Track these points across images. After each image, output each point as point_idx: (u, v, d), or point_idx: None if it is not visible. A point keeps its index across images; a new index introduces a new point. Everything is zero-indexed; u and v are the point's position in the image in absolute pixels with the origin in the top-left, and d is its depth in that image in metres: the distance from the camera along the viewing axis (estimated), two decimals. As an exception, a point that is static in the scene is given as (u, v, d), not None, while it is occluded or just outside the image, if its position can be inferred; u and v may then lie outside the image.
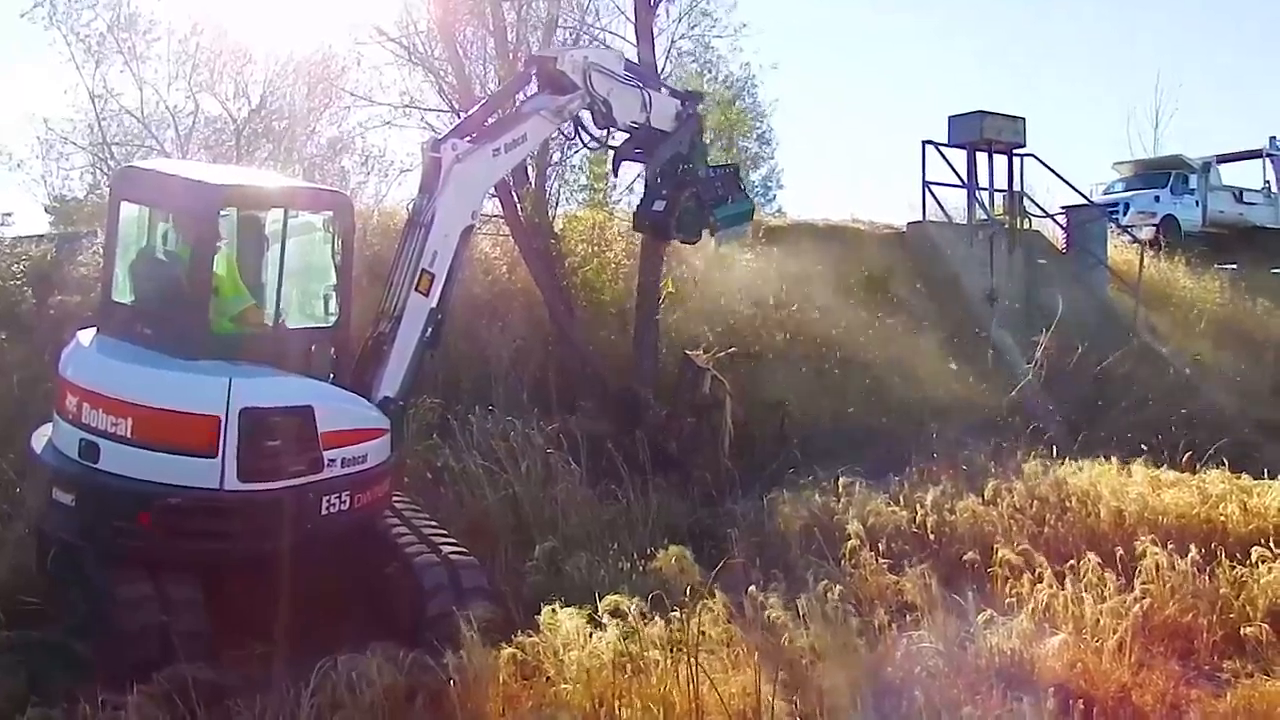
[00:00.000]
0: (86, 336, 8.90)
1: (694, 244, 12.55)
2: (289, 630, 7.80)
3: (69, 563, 8.17)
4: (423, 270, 9.21)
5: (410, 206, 9.69)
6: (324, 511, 8.42)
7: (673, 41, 18.03)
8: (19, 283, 13.69)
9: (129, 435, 7.93)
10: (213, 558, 8.07)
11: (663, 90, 11.51)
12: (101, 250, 11.78)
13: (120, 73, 18.50)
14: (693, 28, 18.88)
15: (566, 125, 10.82)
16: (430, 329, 9.34)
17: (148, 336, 8.50)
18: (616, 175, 14.76)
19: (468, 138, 9.71)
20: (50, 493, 8.27)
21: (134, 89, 18.63)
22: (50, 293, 13.62)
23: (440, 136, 9.87)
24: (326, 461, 8.40)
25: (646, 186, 12.08)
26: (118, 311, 8.98)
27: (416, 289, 9.21)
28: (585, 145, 11.71)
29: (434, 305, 9.33)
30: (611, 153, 11.94)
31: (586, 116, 10.70)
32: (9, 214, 16.91)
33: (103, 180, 19.29)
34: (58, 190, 21.31)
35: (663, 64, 16.89)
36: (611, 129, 11.00)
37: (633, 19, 15.47)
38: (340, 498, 8.54)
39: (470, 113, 10.27)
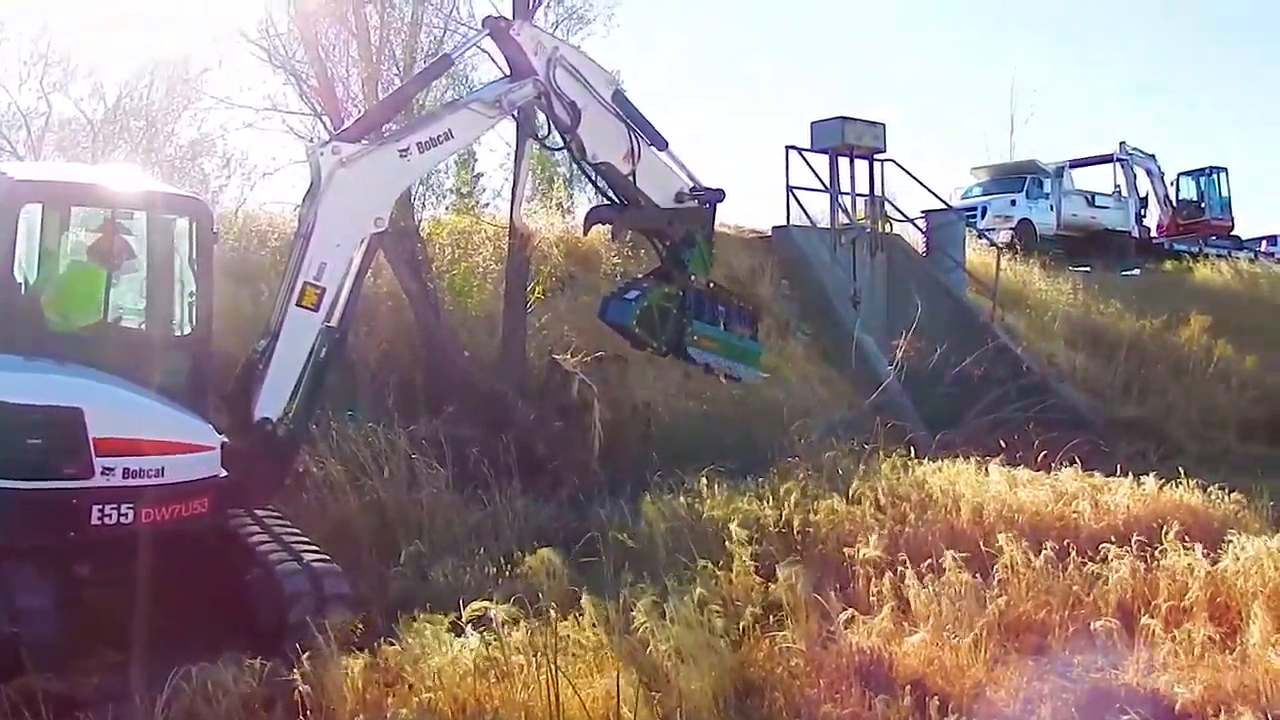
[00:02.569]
0: None
1: (663, 355, 10.92)
2: (145, 639, 7.56)
3: None
4: (306, 284, 8.54)
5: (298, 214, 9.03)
6: (96, 521, 7.91)
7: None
8: None
9: None
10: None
11: (671, 160, 10.20)
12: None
13: (-34, 72, 17.72)
14: (569, 35, 18.76)
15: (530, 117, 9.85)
16: (325, 348, 8.76)
17: None
18: (585, 234, 13.31)
19: (364, 139, 9.01)
20: None
21: (-21, 88, 17.85)
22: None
23: (325, 139, 9.16)
24: (101, 469, 7.89)
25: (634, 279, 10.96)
26: None
27: (299, 304, 8.56)
28: (544, 145, 10.33)
29: (328, 322, 8.72)
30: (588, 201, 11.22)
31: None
32: None
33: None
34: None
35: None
36: (581, 157, 9.80)
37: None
38: (120, 510, 7.99)
39: (368, 112, 9.42)
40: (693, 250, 10.26)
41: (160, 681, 6.70)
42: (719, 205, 10.54)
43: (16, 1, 17.53)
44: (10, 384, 7.69)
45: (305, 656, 6.96)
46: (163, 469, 8.15)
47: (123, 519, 7.98)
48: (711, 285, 10.58)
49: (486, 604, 7.46)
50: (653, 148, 10.01)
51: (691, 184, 10.24)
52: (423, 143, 9.06)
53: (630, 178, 9.82)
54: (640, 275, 11.19)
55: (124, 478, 7.96)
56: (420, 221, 16.43)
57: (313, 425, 11.37)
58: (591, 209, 10.86)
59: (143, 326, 8.78)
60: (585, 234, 12.86)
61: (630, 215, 10.28)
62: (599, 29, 18.32)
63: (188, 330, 8.76)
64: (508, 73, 9.76)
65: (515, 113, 9.76)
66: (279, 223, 16.05)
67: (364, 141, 9.07)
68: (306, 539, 9.13)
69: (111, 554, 8.02)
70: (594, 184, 10.37)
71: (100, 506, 7.89)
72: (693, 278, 10.25)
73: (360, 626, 8.03)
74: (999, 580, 8.60)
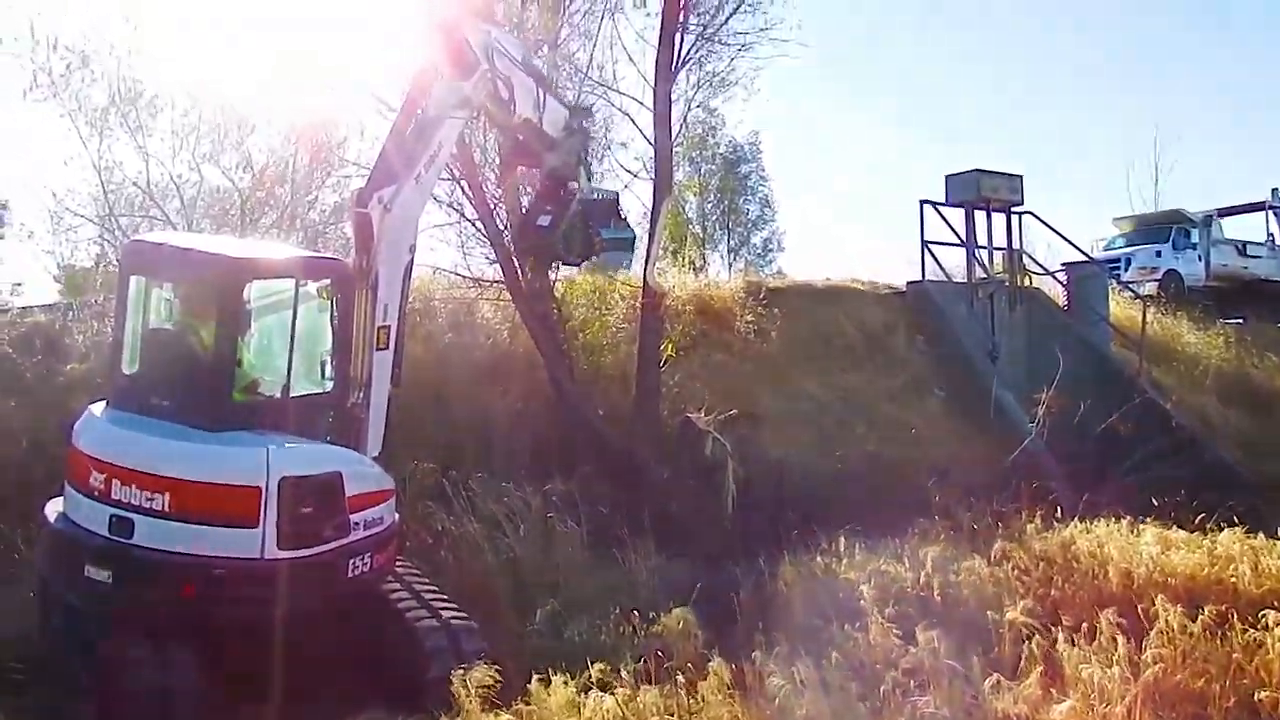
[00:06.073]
0: (99, 409, 8.93)
1: (577, 266, 12.41)
2: (285, 693, 7.79)
3: (69, 627, 8.20)
4: (379, 328, 9.20)
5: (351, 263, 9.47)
6: (350, 574, 8.56)
7: (689, 108, 18.12)
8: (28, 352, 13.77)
9: (167, 510, 7.92)
10: (249, 624, 8.02)
11: (549, 92, 11.12)
12: (106, 320, 11.91)
13: (125, 144, 18.65)
14: (710, 97, 18.93)
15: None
16: (392, 382, 9.47)
17: (164, 409, 8.51)
18: (503, 183, 14.67)
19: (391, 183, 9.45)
20: (82, 569, 8.11)
21: (138, 160, 18.76)
22: (56, 360, 13.68)
23: (363, 189, 9.53)
24: (352, 525, 8.50)
25: (529, 205, 11.82)
26: (128, 384, 9.04)
27: (378, 348, 9.20)
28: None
29: (391, 352, 9.41)
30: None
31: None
32: (19, 284, 17.03)
33: (110, 250, 19.48)
34: (66, 260, 21.55)
35: (677, 129, 16.97)
36: (507, 123, 10.75)
37: (651, 83, 15.73)
38: (363, 559, 8.68)
39: (381, 157, 9.80)
40: (580, 167, 11.18)
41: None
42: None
43: (169, 74, 18.27)
44: (289, 458, 8.19)
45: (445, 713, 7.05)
46: (383, 517, 8.92)
47: (364, 568, 8.68)
48: (595, 194, 11.39)
49: (620, 664, 7.46)
50: (554, 99, 10.85)
51: (567, 112, 11.04)
52: (427, 162, 9.66)
53: (539, 125, 10.59)
54: (527, 203, 12.12)
55: (365, 530, 8.67)
56: (554, 281, 16.66)
57: (446, 483, 11.75)
58: (507, 156, 12.20)
59: (308, 389, 9.16)
60: (502, 182, 14.46)
61: (548, 159, 10.91)
62: (740, 92, 18.44)
63: (331, 387, 9.19)
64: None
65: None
66: (417, 284, 16.42)
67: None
68: (444, 596, 9.30)
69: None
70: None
71: (352, 560, 8.57)
72: (582, 191, 11.05)
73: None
74: (1153, 646, 8.23)
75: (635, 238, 12.11)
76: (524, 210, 12.06)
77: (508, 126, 10.83)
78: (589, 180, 11.40)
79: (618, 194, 12.16)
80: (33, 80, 17.25)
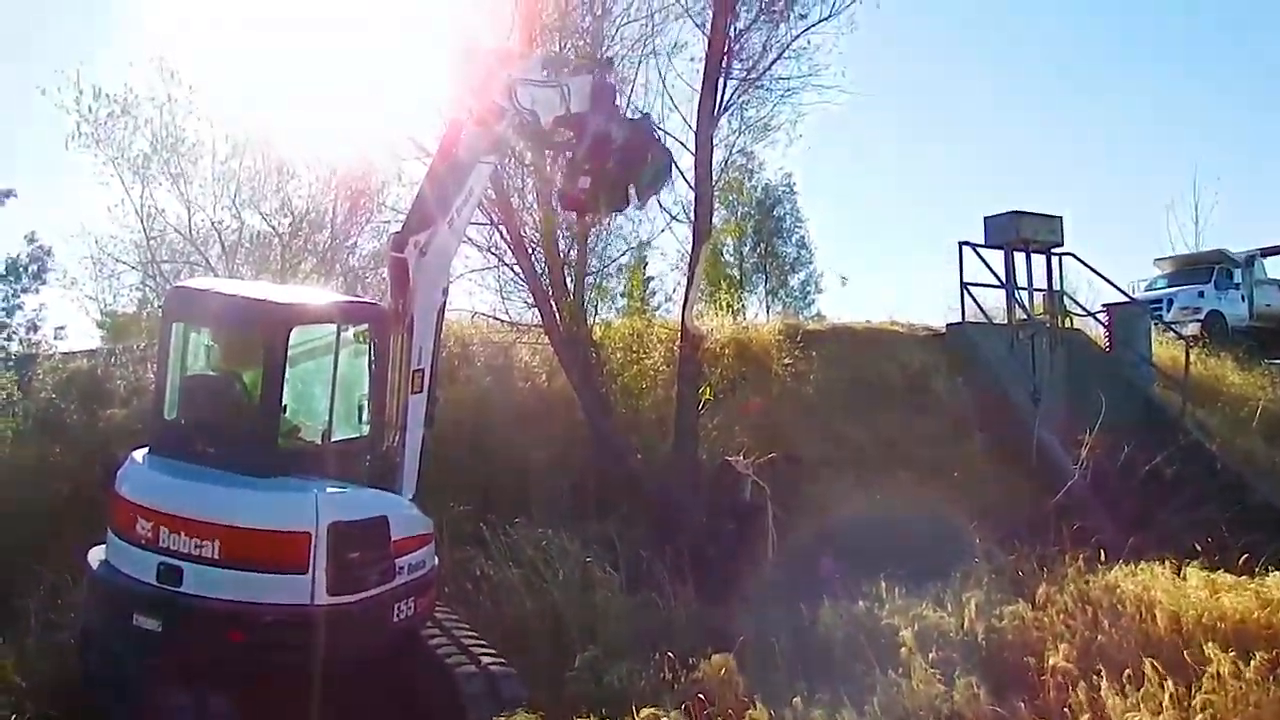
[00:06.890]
0: (141, 455, 8.97)
1: (621, 211, 12.37)
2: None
3: (114, 675, 8.21)
4: (414, 371, 9.25)
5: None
6: (395, 619, 8.56)
7: (730, 152, 18.12)
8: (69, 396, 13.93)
9: (216, 557, 7.91)
10: (297, 671, 7.97)
11: (570, 65, 11.10)
12: (147, 365, 12.00)
13: (166, 191, 18.91)
14: (751, 142, 18.89)
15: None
16: (429, 423, 9.52)
17: (208, 455, 8.52)
18: (553, 165, 14.30)
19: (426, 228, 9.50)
20: (130, 618, 8.07)
21: (180, 207, 19.01)
22: (98, 405, 13.81)
23: (399, 233, 9.57)
24: (397, 569, 8.52)
25: (568, 164, 11.49)
26: (170, 430, 9.07)
27: (414, 392, 9.26)
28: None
29: (425, 395, 9.45)
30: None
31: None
32: (62, 328, 17.22)
33: (153, 297, 19.68)
34: (109, 306, 21.80)
35: (717, 173, 16.96)
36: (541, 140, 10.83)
37: (692, 127, 15.74)
38: (408, 604, 8.69)
39: (418, 201, 9.85)
40: (610, 117, 10.95)
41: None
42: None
43: (210, 121, 18.48)
44: (337, 504, 8.22)
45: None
46: (424, 561, 8.95)
47: (409, 612, 8.69)
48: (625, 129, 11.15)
49: (659, 711, 7.40)
50: (577, 76, 10.75)
51: (590, 76, 10.91)
52: (459, 206, 9.73)
53: (568, 112, 10.51)
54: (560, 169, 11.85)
55: (409, 574, 8.68)
56: (592, 325, 16.69)
57: (484, 528, 11.73)
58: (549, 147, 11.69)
59: (347, 433, 9.15)
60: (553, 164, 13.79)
61: (585, 133, 10.69)
62: (782, 137, 18.43)
63: (368, 430, 9.21)
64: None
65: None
66: (455, 329, 16.52)
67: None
68: (483, 641, 9.27)
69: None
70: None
71: (398, 604, 8.58)
72: (614, 136, 10.80)
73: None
74: (1203, 693, 8.08)
75: (671, 158, 12.05)
76: (563, 173, 11.82)
77: (541, 136, 10.81)
78: (620, 129, 11.18)
79: (647, 116, 12.13)
80: (76, 129, 17.61)
